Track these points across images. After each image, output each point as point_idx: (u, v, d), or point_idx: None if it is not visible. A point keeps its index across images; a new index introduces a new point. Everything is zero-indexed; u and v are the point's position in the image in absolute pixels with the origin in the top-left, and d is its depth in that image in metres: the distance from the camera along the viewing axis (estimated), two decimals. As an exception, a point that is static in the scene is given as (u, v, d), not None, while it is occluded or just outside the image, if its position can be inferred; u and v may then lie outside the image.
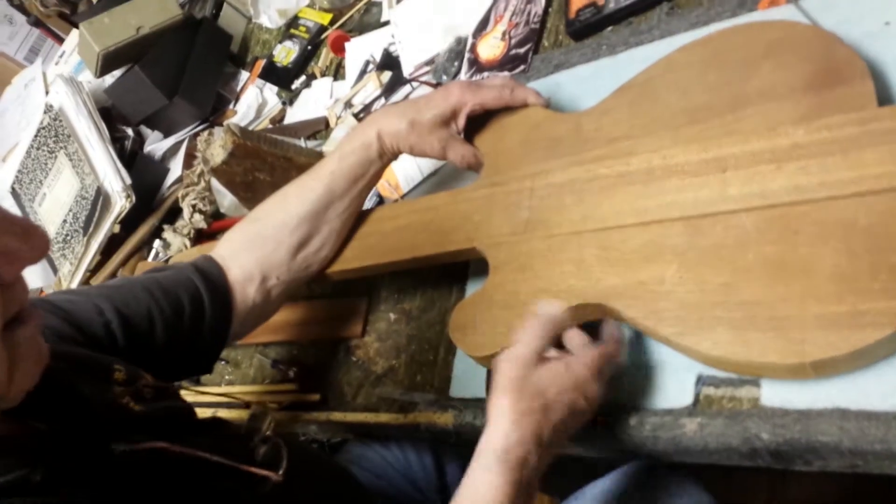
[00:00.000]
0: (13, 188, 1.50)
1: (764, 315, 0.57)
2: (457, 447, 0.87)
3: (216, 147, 1.04)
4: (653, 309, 0.63)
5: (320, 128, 1.21)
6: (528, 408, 0.60)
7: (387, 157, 0.85)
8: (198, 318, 0.78)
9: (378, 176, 0.87)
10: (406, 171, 1.00)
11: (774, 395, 0.59)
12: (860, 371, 0.56)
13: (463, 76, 1.04)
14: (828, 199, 0.58)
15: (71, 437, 0.53)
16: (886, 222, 0.55)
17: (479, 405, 0.75)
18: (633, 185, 0.70)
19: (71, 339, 0.67)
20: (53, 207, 1.41)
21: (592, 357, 0.63)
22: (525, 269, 0.72)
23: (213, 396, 1.06)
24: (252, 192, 1.09)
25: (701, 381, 0.64)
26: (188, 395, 1.09)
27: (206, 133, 1.08)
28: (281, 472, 0.65)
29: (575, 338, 0.66)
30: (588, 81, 0.88)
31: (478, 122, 0.85)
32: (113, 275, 1.36)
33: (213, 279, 0.81)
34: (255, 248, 0.84)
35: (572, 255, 0.70)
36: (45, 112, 1.44)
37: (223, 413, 1.03)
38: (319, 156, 1.11)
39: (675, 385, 0.65)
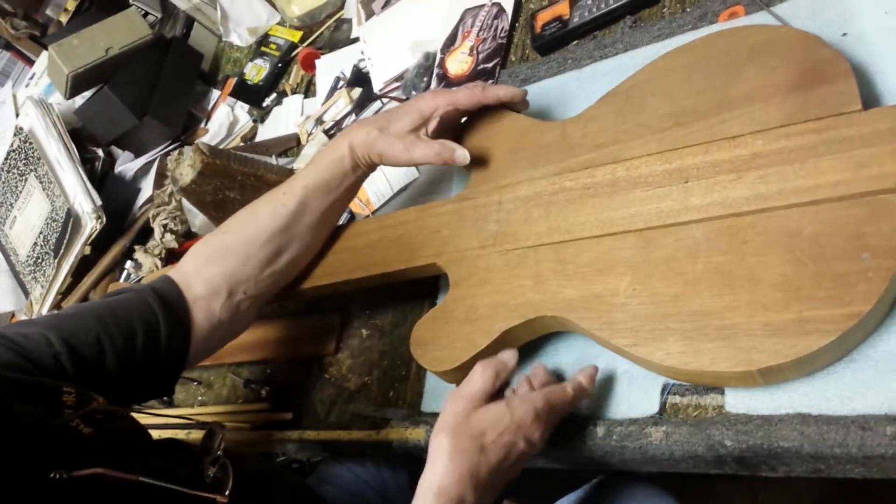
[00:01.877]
0: (-17, 212, 1.49)
1: (713, 325, 0.58)
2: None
3: (185, 166, 1.04)
4: (607, 321, 0.63)
5: (292, 145, 1.21)
6: (466, 447, 0.60)
7: (361, 169, 0.85)
8: (152, 343, 0.76)
9: (353, 190, 0.87)
10: (377, 187, 1.01)
11: (738, 402, 0.60)
12: (821, 375, 0.57)
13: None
14: (786, 208, 0.59)
15: (6, 463, 0.53)
16: (830, 231, 0.56)
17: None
18: (598, 196, 0.71)
19: (24, 371, 0.66)
20: (24, 230, 1.39)
21: (537, 400, 0.63)
22: (484, 284, 0.72)
23: (170, 418, 1.05)
24: (222, 212, 1.08)
25: (667, 389, 0.64)
26: (145, 418, 1.09)
27: (176, 152, 1.08)
28: (227, 492, 0.65)
29: (538, 376, 0.67)
30: (555, 94, 0.89)
31: (465, 133, 0.86)
32: (84, 297, 1.35)
33: (170, 302, 0.79)
34: (223, 262, 0.83)
35: (530, 268, 0.70)
36: (14, 135, 1.43)
37: (194, 434, 1.03)
38: (290, 173, 1.10)
39: (641, 394, 0.65)
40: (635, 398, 0.66)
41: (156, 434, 1.05)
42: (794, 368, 0.56)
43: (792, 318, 0.55)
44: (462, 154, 0.80)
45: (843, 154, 0.59)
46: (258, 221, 0.84)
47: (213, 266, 0.82)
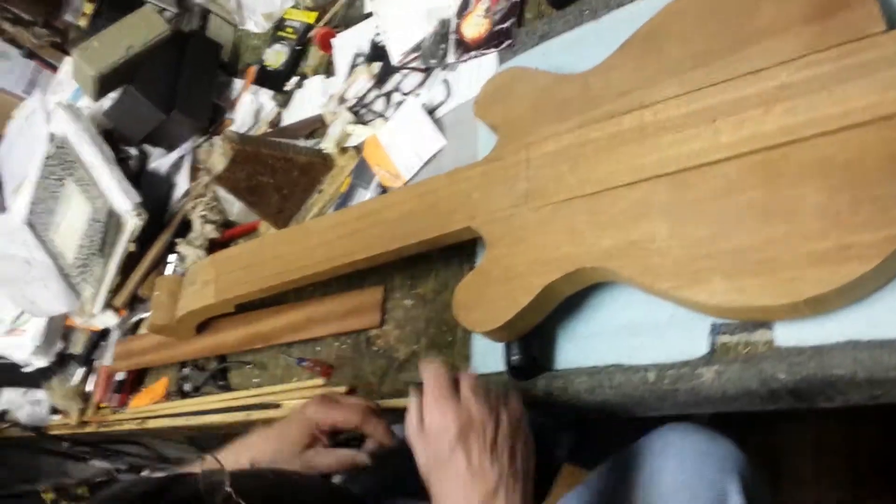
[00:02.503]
0: (29, 220, 1.53)
1: (755, 260, 0.58)
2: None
3: (217, 156, 1.06)
4: (647, 266, 0.64)
5: (317, 126, 1.22)
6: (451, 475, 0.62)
7: None
8: None
9: None
10: (405, 160, 1.01)
11: (788, 335, 0.60)
12: (868, 302, 0.56)
13: (451, 58, 1.04)
14: (817, 137, 0.59)
15: None
16: (863, 156, 0.56)
17: (499, 379, 0.76)
18: (627, 144, 0.71)
19: None
20: (69, 234, 1.43)
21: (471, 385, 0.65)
22: (519, 242, 0.73)
23: (245, 399, 1.08)
24: (257, 196, 1.10)
25: (715, 329, 0.64)
26: (219, 402, 1.12)
27: (206, 144, 1.09)
28: None
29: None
30: (574, 47, 0.89)
31: (486, 95, 0.87)
32: (134, 293, 1.39)
33: None
34: None
35: (564, 223, 0.71)
36: (49, 142, 1.46)
37: (256, 415, 1.06)
38: (319, 153, 1.12)
39: (689, 337, 0.65)
40: (684, 341, 0.66)
41: (218, 419, 1.09)
42: (839, 296, 0.55)
43: (832, 245, 0.55)
44: (362, 458, 0.84)
45: (869, 77, 0.58)
46: None
47: None
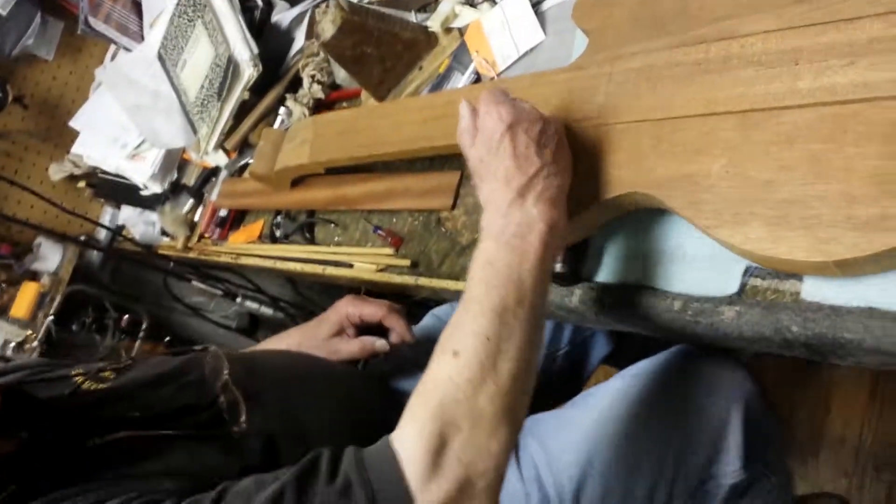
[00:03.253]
0: (160, 53, 1.63)
1: (798, 213, 0.58)
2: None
3: (327, 22, 1.10)
4: (693, 200, 0.64)
5: (430, 0, 1.23)
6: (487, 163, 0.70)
7: None
8: None
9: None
10: (503, 49, 1.02)
11: (815, 290, 0.61)
12: (898, 274, 0.56)
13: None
14: (891, 99, 0.57)
15: (45, 443, 0.64)
16: None
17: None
18: (709, 73, 0.70)
19: None
20: (193, 73, 1.52)
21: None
22: (584, 155, 0.74)
23: (324, 254, 1.17)
24: (360, 66, 1.14)
25: (749, 271, 0.66)
26: (302, 252, 1.21)
27: (323, 5, 1.13)
28: (242, 419, 0.72)
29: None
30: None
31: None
32: (244, 138, 1.48)
33: None
34: None
35: (628, 144, 0.71)
36: (184, -19, 1.53)
37: (330, 270, 1.14)
38: (424, 30, 1.14)
39: (724, 274, 0.67)
40: (718, 277, 0.68)
41: (298, 267, 1.19)
42: (871, 263, 0.56)
43: (877, 212, 0.55)
44: (381, 343, 0.99)
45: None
46: None
47: None
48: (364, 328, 1.03)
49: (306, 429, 0.78)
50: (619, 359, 1.08)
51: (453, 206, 0.99)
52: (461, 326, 0.61)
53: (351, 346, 1.00)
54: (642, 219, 0.75)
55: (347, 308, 1.02)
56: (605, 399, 0.85)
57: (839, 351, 0.59)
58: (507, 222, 0.65)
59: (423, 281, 0.97)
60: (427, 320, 1.17)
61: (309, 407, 0.81)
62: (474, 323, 0.61)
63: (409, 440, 0.58)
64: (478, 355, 0.59)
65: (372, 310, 1.01)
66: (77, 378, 0.77)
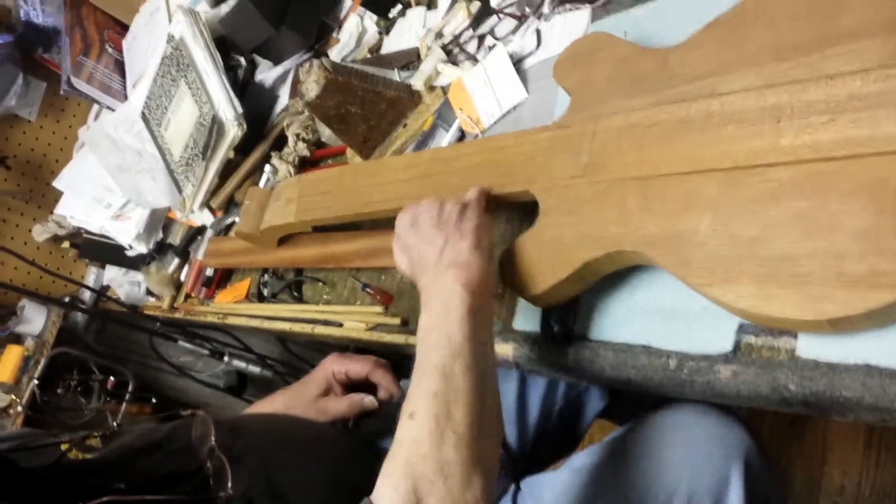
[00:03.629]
0: (143, 113, 1.63)
1: (787, 271, 0.58)
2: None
3: (311, 82, 1.10)
4: (684, 259, 0.64)
5: (413, 59, 1.24)
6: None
7: None
8: None
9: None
10: (487, 107, 1.03)
11: (810, 347, 0.61)
12: (893, 329, 0.56)
13: (546, 7, 1.04)
14: (875, 156, 0.58)
15: None
16: None
17: (537, 339, 0.80)
18: (691, 132, 0.71)
19: None
20: (177, 132, 1.53)
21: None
22: (572, 213, 0.75)
23: (312, 313, 1.16)
24: (345, 125, 1.15)
25: (742, 329, 0.65)
26: (290, 312, 1.20)
27: (306, 65, 1.14)
28: (230, 486, 0.71)
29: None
30: (668, 16, 0.87)
31: (566, 56, 0.87)
32: (230, 197, 1.48)
33: None
34: None
35: (616, 201, 0.72)
36: (167, 42, 1.54)
37: (320, 329, 1.13)
38: (407, 89, 1.15)
39: (717, 331, 0.67)
40: (711, 334, 0.67)
41: (287, 327, 1.18)
42: (864, 320, 0.56)
43: (866, 270, 0.55)
44: (370, 399, 0.99)
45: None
46: None
47: None
48: (351, 386, 1.02)
49: (290, 493, 0.76)
50: (615, 412, 1.07)
51: (442, 264, 0.99)
52: (412, 391, 0.66)
53: (339, 405, 1.00)
54: (633, 275, 0.75)
55: (333, 366, 1.02)
56: (603, 459, 0.84)
57: (838, 408, 0.58)
58: (431, 296, 0.73)
59: (413, 340, 0.95)
60: None
61: (294, 470, 0.80)
62: (421, 385, 0.66)
63: (386, 500, 0.59)
64: (431, 411, 0.63)
65: (358, 366, 1.01)
66: (63, 446, 0.75)
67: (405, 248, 0.81)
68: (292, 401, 1.02)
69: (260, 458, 0.79)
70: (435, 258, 0.75)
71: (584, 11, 0.98)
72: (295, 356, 1.77)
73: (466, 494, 0.60)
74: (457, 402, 0.63)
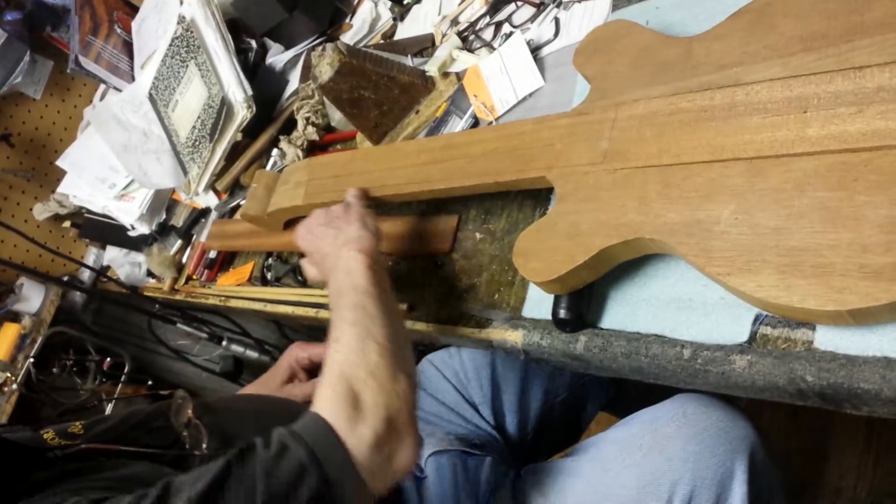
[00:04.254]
0: (150, 94, 1.62)
1: (810, 262, 0.57)
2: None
3: (324, 65, 1.09)
4: (704, 248, 0.64)
5: (427, 45, 1.24)
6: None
7: None
8: None
9: None
10: (502, 94, 1.02)
11: (828, 339, 0.60)
12: (917, 323, 0.56)
13: (566, -2, 1.03)
14: (902, 147, 0.57)
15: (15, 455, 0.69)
16: None
17: (547, 327, 0.79)
18: (714, 120, 0.70)
19: None
20: (184, 113, 1.51)
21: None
22: (589, 200, 0.74)
23: (316, 298, 1.16)
24: (357, 109, 1.14)
25: (759, 320, 0.65)
26: (293, 295, 1.19)
27: (319, 49, 1.13)
28: (204, 445, 0.77)
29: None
30: (691, 5, 0.86)
31: (589, 43, 0.87)
32: (235, 180, 1.47)
33: None
34: None
35: (636, 189, 0.71)
36: (178, 23, 1.53)
37: (323, 314, 1.12)
38: (421, 75, 1.14)
39: (733, 322, 0.66)
40: (727, 325, 0.67)
41: (290, 310, 1.17)
42: (885, 312, 0.55)
43: (890, 262, 0.54)
44: None
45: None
46: None
47: None
48: (315, 370, 1.07)
49: None
50: (618, 406, 1.07)
51: (451, 250, 0.98)
52: (334, 326, 0.75)
53: (304, 389, 1.07)
54: (648, 264, 0.75)
55: (297, 353, 1.11)
56: (606, 448, 0.83)
57: (854, 400, 0.58)
58: (333, 265, 0.84)
59: (421, 325, 0.95)
60: (424, 367, 1.15)
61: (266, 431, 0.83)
62: (341, 321, 0.75)
63: (326, 401, 0.67)
64: (354, 332, 0.73)
65: (319, 350, 1.07)
66: (46, 435, 0.77)
67: (310, 255, 0.91)
68: (260, 389, 1.07)
69: (235, 423, 0.85)
70: (332, 246, 0.86)
71: (605, 0, 0.98)
72: (291, 342, 1.76)
73: (395, 387, 0.69)
74: (374, 323, 0.74)
